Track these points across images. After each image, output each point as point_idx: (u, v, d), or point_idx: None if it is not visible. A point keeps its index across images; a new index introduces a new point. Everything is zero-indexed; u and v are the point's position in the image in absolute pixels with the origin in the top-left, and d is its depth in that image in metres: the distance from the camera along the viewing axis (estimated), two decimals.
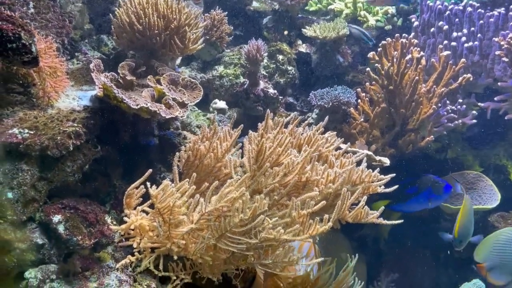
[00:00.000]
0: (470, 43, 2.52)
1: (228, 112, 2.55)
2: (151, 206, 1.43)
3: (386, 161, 2.23)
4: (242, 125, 1.62)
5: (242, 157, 1.64)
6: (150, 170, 1.42)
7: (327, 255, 1.58)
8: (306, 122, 1.68)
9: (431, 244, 2.79)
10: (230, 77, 2.64)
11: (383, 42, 2.48)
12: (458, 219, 2.15)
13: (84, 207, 1.62)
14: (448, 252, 2.72)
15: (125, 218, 1.46)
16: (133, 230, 1.45)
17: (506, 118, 2.44)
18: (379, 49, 2.49)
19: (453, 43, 2.54)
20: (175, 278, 1.42)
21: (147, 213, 1.45)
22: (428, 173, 2.48)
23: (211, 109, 2.53)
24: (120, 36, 2.11)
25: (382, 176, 1.50)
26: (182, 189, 1.37)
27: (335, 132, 1.67)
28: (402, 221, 1.38)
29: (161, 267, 1.40)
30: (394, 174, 1.51)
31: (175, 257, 1.38)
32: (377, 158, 2.21)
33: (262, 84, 2.56)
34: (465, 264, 2.74)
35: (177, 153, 1.61)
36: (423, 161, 2.64)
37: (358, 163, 1.55)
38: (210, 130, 1.64)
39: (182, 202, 1.35)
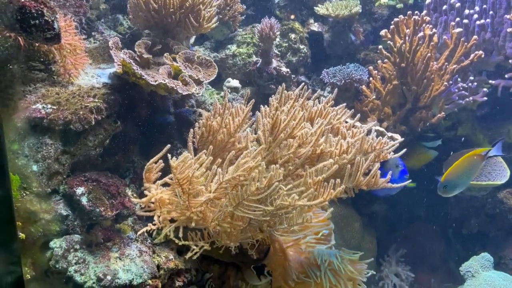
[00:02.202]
0: (482, 21, 2.52)
1: (241, 90, 2.58)
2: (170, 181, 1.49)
3: (398, 137, 2.27)
4: (253, 100, 1.66)
5: (255, 133, 1.68)
6: (169, 145, 1.48)
7: (339, 230, 1.62)
8: (315, 94, 1.72)
9: (440, 220, 2.84)
10: (243, 56, 2.67)
11: (396, 19, 2.49)
12: (453, 165, 2.11)
13: (106, 180, 1.67)
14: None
15: (146, 192, 1.52)
16: (153, 203, 1.52)
17: None
18: (391, 27, 2.50)
19: (465, 21, 2.54)
20: (194, 247, 1.48)
21: (167, 185, 1.50)
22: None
23: (224, 88, 2.56)
24: (136, 15, 2.15)
25: (392, 142, 1.55)
26: (200, 160, 1.42)
27: (344, 104, 1.71)
28: (411, 181, 1.44)
29: (180, 236, 1.46)
30: (403, 139, 1.55)
31: (193, 225, 1.43)
32: (389, 134, 2.24)
33: (274, 63, 2.59)
34: (473, 239, 2.78)
35: (191, 130, 1.66)
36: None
37: (368, 133, 1.59)
38: (221, 106, 1.69)
39: (201, 173, 1.41)
